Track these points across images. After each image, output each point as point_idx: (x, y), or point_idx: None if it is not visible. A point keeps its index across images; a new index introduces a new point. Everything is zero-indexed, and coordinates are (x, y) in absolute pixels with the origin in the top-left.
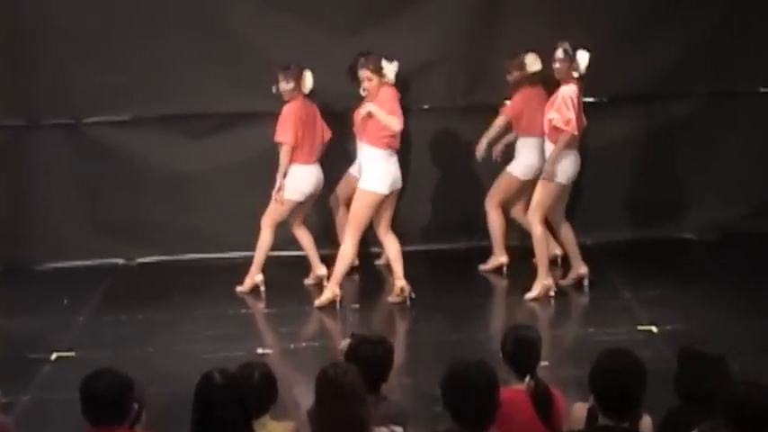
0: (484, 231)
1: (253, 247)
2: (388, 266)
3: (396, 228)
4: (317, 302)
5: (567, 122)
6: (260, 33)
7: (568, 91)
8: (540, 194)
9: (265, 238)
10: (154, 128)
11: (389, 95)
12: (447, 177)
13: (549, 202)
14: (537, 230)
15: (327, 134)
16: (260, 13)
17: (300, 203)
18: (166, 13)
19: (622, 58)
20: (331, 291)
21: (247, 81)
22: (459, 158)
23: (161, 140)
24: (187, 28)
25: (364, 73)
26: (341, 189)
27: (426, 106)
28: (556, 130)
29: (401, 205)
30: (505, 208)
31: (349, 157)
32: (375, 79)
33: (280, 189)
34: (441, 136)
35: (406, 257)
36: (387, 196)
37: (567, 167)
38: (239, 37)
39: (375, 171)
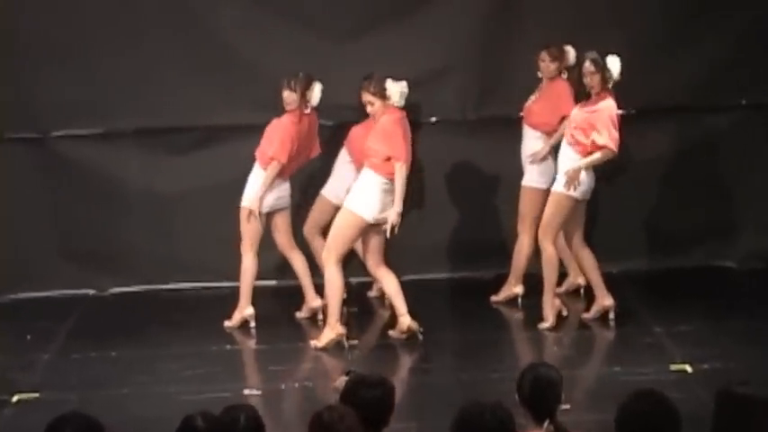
0: (497, 258)
1: (237, 277)
2: (382, 298)
3: (396, 254)
4: (317, 344)
5: (616, 142)
6: (248, 39)
7: (611, 107)
8: (551, 209)
9: (248, 264)
10: (129, 142)
11: (389, 123)
12: (455, 198)
13: (560, 219)
14: (548, 250)
15: (316, 151)
16: (248, 17)
17: (272, 218)
18: (143, 17)
19: (652, 67)
20: (332, 330)
21: (234, 91)
22: (469, 177)
23: (137, 156)
24: (167, 33)
25: (366, 96)
26: (315, 217)
27: (433, 119)
28: (594, 145)
29: (403, 229)
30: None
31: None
32: (378, 103)
33: (251, 212)
34: (449, 152)
35: (408, 288)
36: (371, 226)
37: (585, 181)
38: (225, 43)
39: (367, 195)
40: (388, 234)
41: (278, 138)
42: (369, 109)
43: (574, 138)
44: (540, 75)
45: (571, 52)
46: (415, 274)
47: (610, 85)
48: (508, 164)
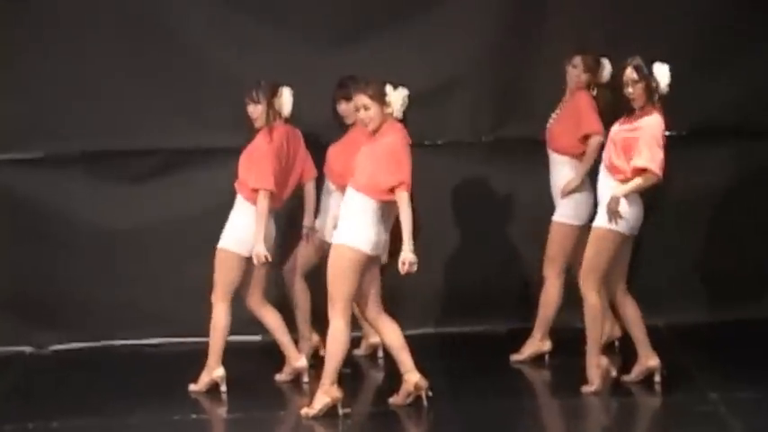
0: (517, 308)
1: (206, 331)
2: (373, 356)
3: (396, 303)
4: (308, 411)
5: (660, 165)
6: (221, 46)
7: (656, 124)
8: (593, 248)
9: (220, 317)
10: (75, 168)
11: (400, 146)
12: (466, 235)
13: (605, 260)
14: (591, 298)
15: (310, 173)
16: (220, 21)
17: (250, 263)
18: (93, 20)
19: (703, 82)
20: (326, 393)
21: (203, 108)
22: (484, 210)
23: (85, 185)
24: (122, 40)
25: (361, 99)
26: (302, 255)
27: (440, 141)
28: (635, 169)
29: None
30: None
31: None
32: (374, 109)
33: (257, 254)
34: (459, 180)
35: (412, 344)
36: (371, 259)
37: (631, 212)
38: (192, 51)
39: (360, 224)
40: (402, 271)
41: (254, 163)
42: (361, 114)
43: (611, 162)
44: (567, 85)
45: (606, 67)
46: (416, 327)
47: (656, 99)
48: (532, 194)
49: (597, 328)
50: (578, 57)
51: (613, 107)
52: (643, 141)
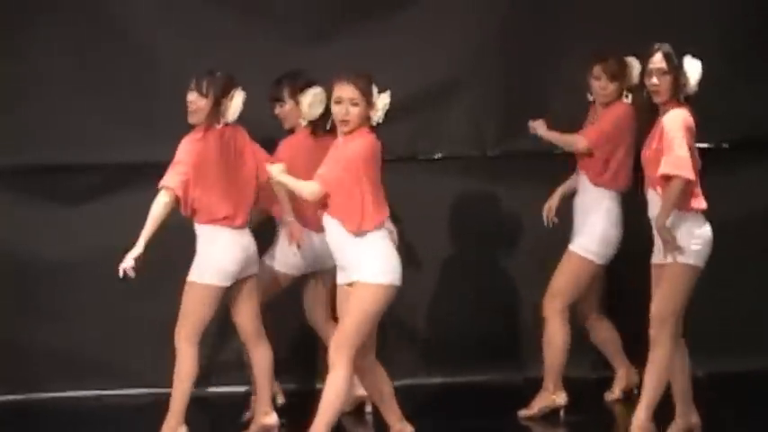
0: (528, 354)
1: (156, 381)
2: (358, 411)
3: (386, 350)
4: None
5: (682, 165)
6: (176, 37)
7: (679, 119)
8: (669, 288)
9: (187, 363)
10: (19, 185)
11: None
12: (469, 265)
13: (681, 301)
14: (662, 349)
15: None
16: (179, 12)
17: (233, 291)
18: (25, 19)
19: (742, 87)
20: None
21: (154, 117)
22: (488, 235)
23: (12, 204)
24: (56, 37)
25: (351, 92)
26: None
27: (437, 155)
28: (663, 179)
29: (394, 311)
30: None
31: None
32: (362, 106)
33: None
34: (460, 200)
35: (403, 394)
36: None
37: (700, 238)
38: (145, 48)
39: (379, 256)
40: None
41: (175, 160)
42: (341, 109)
43: (649, 177)
44: (590, 98)
45: (635, 66)
46: (411, 377)
47: (681, 97)
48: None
49: (664, 382)
50: (598, 66)
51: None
52: (666, 144)
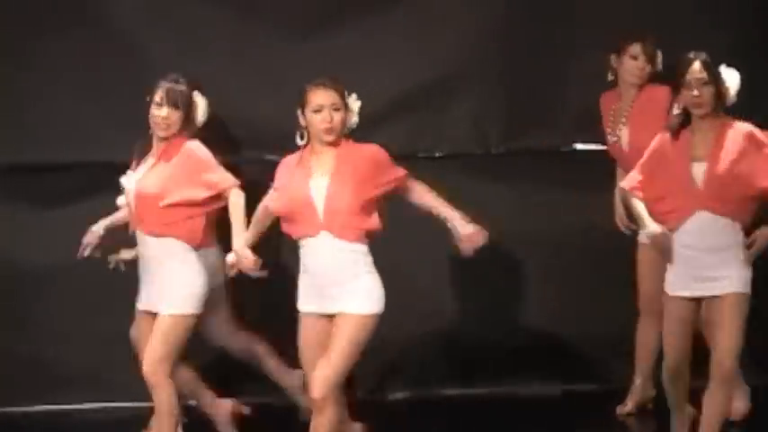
0: (546, 365)
1: (138, 395)
2: None
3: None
4: None
5: None
6: (170, 37)
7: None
8: (741, 322)
9: (173, 396)
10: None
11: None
12: (472, 270)
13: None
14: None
15: (227, 182)
16: (173, 11)
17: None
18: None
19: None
20: None
21: (140, 114)
22: (493, 238)
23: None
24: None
25: (331, 96)
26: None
27: (439, 153)
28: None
29: (391, 316)
30: None
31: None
32: (343, 111)
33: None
34: (463, 200)
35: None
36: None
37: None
38: (126, 39)
39: (375, 281)
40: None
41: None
42: (325, 116)
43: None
44: (610, 77)
45: (659, 54)
46: (412, 388)
47: (721, 108)
48: (553, 219)
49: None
50: (637, 45)
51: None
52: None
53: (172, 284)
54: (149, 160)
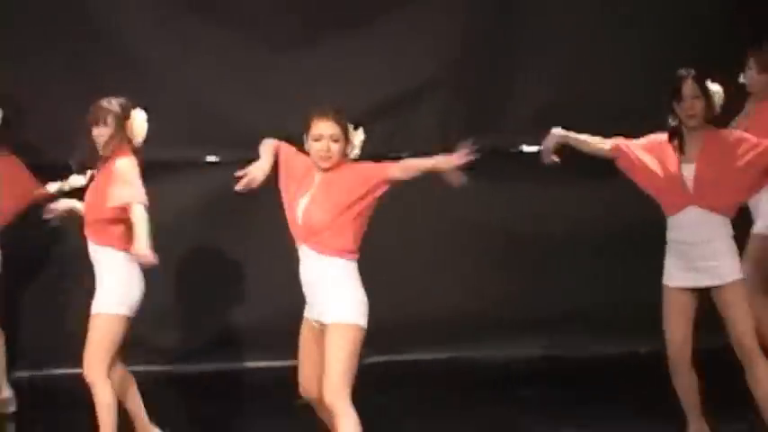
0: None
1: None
2: None
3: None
4: None
5: None
6: (166, 43)
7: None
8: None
9: (108, 395)
10: None
11: None
12: (436, 258)
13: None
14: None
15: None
16: (168, 20)
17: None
18: (38, 28)
19: None
20: None
21: (151, 116)
22: (454, 230)
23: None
24: (55, 47)
25: (331, 127)
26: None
27: (406, 153)
28: None
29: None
30: None
31: None
32: (342, 143)
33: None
34: (428, 196)
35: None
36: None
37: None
38: (134, 55)
39: (357, 295)
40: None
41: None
42: (323, 145)
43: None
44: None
45: None
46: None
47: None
48: (508, 212)
49: None
50: (751, 57)
51: None
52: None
53: (105, 286)
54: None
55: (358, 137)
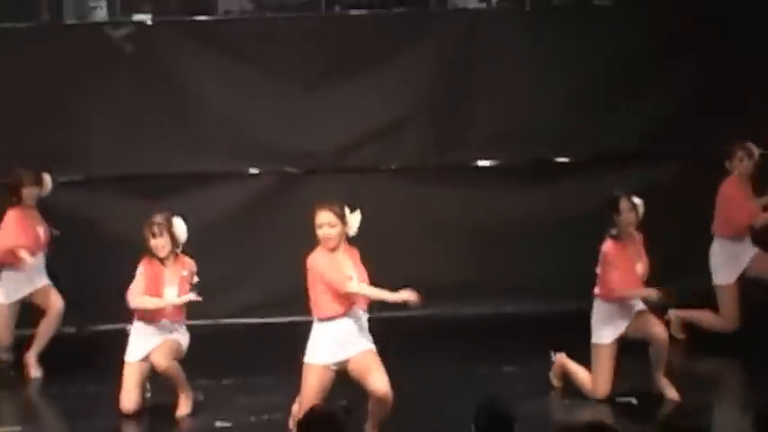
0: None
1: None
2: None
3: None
4: None
5: None
6: (215, 88)
7: None
8: None
9: None
10: (108, 189)
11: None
12: (420, 242)
13: None
14: None
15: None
16: (215, 67)
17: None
18: (119, 70)
19: (598, 116)
20: None
21: (204, 140)
22: (434, 223)
23: (114, 202)
24: (141, 87)
25: (326, 216)
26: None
27: (394, 166)
28: None
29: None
30: None
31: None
32: (339, 227)
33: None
34: (410, 197)
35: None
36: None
37: None
38: (197, 95)
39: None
40: None
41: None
42: (325, 231)
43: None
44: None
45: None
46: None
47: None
48: (467, 211)
49: None
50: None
51: None
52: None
53: None
54: None
55: (355, 218)
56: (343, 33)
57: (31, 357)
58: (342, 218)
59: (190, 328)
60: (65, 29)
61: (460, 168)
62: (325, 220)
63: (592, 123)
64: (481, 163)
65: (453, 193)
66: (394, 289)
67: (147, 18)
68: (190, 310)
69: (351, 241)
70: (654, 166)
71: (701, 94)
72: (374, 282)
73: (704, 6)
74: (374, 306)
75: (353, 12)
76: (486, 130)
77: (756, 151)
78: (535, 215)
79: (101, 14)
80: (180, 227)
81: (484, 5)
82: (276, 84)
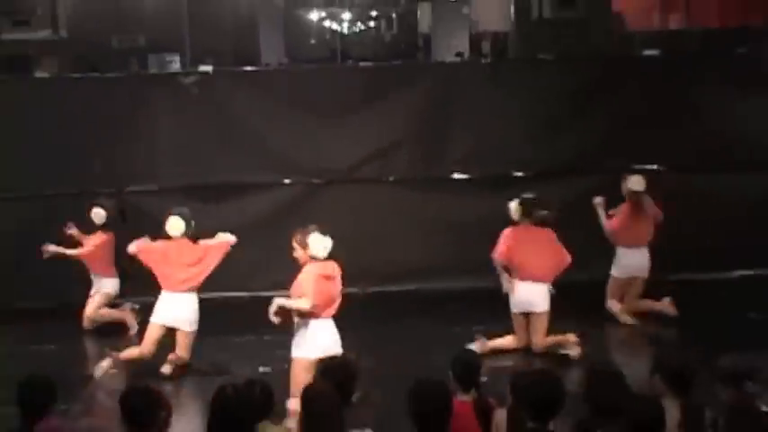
0: (470, 271)
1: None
2: None
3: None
4: None
5: None
6: (257, 119)
7: None
8: None
9: None
10: (176, 196)
11: (309, 273)
12: (405, 236)
13: None
14: None
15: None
16: (257, 104)
17: None
18: (187, 107)
19: (548, 138)
20: None
21: (249, 157)
22: (417, 221)
23: (179, 206)
24: (204, 115)
25: (293, 242)
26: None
27: (391, 178)
28: None
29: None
30: None
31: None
32: (300, 252)
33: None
34: (403, 203)
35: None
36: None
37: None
38: (241, 121)
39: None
40: None
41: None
42: (295, 255)
43: None
44: None
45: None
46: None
47: None
48: (451, 214)
49: None
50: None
51: None
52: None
53: None
54: None
55: (317, 243)
56: (353, 79)
57: None
58: (302, 245)
59: (235, 300)
60: (150, 77)
61: (441, 180)
62: (293, 244)
63: (542, 146)
64: (457, 176)
65: (435, 198)
66: (390, 267)
67: (209, 69)
68: (235, 284)
69: (359, 236)
70: (589, 177)
71: (622, 123)
72: (372, 261)
73: (620, 60)
74: (369, 281)
75: (362, 64)
76: (461, 151)
77: (629, 177)
78: (497, 216)
79: (175, 66)
80: (175, 221)
81: (458, 59)
82: (303, 116)
